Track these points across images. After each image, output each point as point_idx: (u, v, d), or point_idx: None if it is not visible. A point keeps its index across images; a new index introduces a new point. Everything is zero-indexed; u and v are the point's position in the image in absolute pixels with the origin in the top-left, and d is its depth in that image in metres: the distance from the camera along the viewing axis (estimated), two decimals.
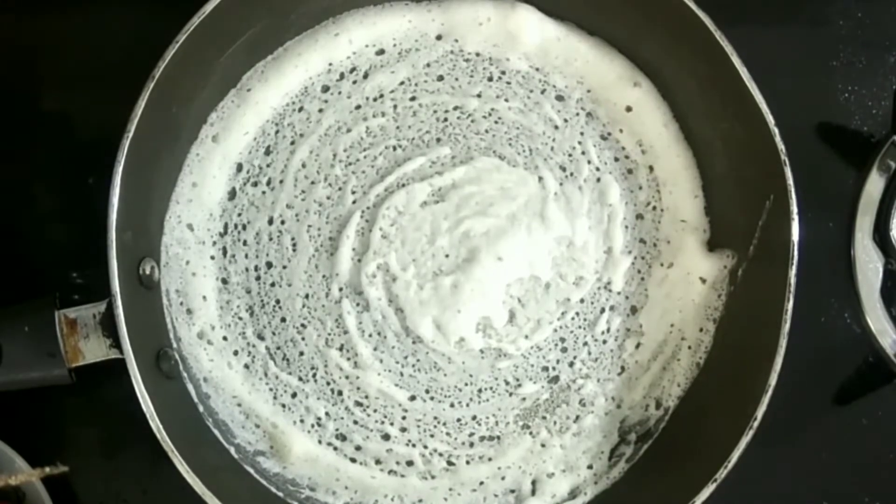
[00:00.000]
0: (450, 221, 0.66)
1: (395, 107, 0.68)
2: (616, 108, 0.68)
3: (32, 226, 0.70)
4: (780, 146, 0.61)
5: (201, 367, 0.65)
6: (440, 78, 0.68)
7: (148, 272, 0.63)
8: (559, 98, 0.68)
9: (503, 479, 0.66)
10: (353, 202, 0.66)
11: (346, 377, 0.66)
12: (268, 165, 0.67)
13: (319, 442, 0.66)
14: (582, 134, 0.68)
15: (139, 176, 0.59)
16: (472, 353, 0.66)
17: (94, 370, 0.59)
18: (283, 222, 0.67)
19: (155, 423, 0.56)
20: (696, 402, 0.66)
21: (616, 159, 0.68)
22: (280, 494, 0.65)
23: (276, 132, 0.67)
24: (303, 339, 0.66)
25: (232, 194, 0.67)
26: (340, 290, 0.66)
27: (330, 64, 0.68)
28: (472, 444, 0.66)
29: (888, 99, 0.71)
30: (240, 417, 0.65)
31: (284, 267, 0.66)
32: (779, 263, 0.61)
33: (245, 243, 0.66)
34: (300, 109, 0.67)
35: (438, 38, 0.68)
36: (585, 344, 0.67)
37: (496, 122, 0.68)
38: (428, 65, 0.68)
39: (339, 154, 0.67)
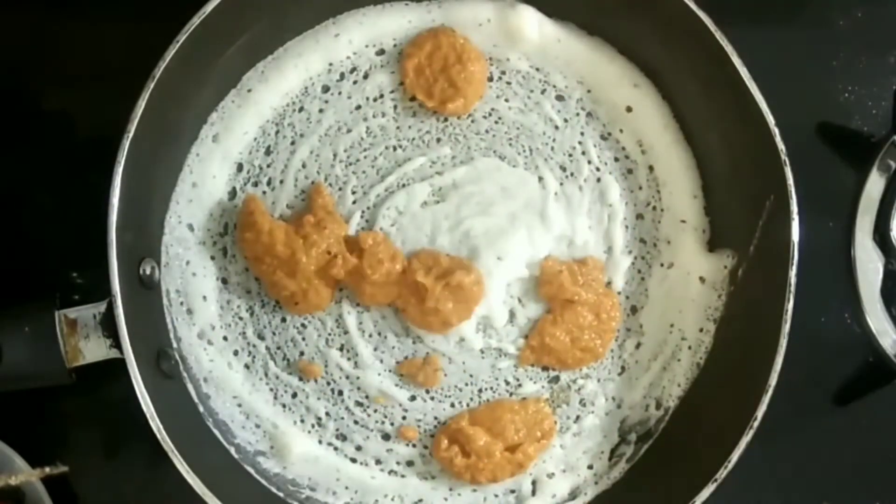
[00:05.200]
0: (450, 221, 0.66)
1: (395, 107, 0.68)
2: (616, 108, 0.68)
3: (32, 226, 0.70)
4: (780, 146, 0.61)
5: (201, 367, 0.65)
6: None
7: (148, 272, 0.63)
8: (559, 98, 0.68)
9: None
10: (354, 202, 0.66)
11: (347, 377, 0.66)
12: (268, 165, 0.67)
13: (320, 442, 0.66)
14: (582, 134, 0.68)
15: (139, 176, 0.59)
16: (472, 353, 0.66)
17: (94, 370, 0.59)
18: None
19: (155, 424, 0.57)
20: (697, 403, 0.66)
21: (616, 159, 0.68)
22: (280, 494, 0.65)
23: (277, 132, 0.67)
24: (303, 339, 0.66)
25: (232, 194, 0.67)
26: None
27: (330, 64, 0.68)
28: None
29: (888, 99, 0.71)
30: (240, 417, 0.65)
31: None
32: (779, 263, 0.61)
33: None
34: (300, 109, 0.67)
35: None
36: None
37: (496, 122, 0.68)
38: None
39: (340, 154, 0.67)
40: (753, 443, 0.59)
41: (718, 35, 0.61)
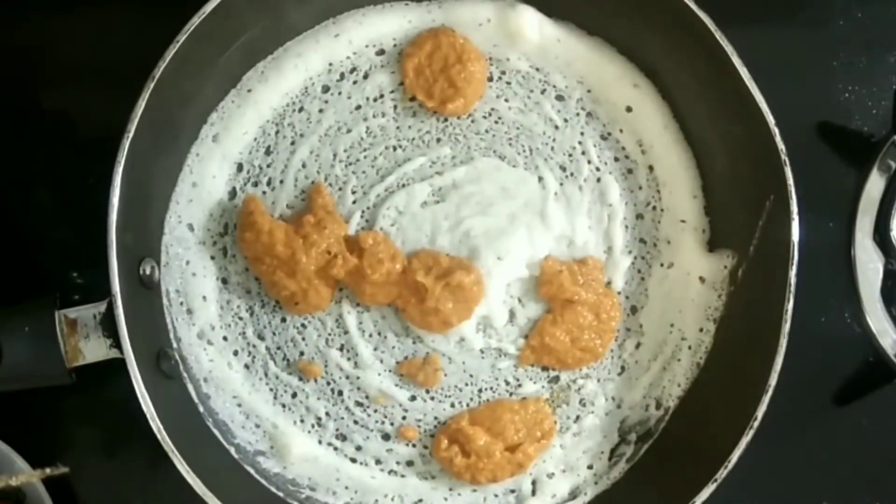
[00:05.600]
0: (450, 221, 0.66)
1: (395, 107, 0.68)
2: (616, 108, 0.68)
3: (32, 226, 0.70)
4: (780, 146, 0.61)
5: (201, 367, 0.65)
6: None
7: (148, 272, 0.63)
8: (559, 98, 0.68)
9: None
10: (354, 202, 0.66)
11: (347, 377, 0.66)
12: (268, 165, 0.67)
13: (319, 442, 0.66)
14: (582, 134, 0.68)
15: (139, 176, 0.59)
16: (472, 353, 0.66)
17: (94, 370, 0.59)
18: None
19: (155, 424, 0.57)
20: (696, 402, 0.66)
21: (616, 159, 0.68)
22: (280, 494, 0.65)
23: (277, 132, 0.67)
24: (303, 339, 0.66)
25: (232, 194, 0.67)
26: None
27: (330, 64, 0.68)
28: None
29: (888, 99, 0.71)
30: (240, 417, 0.65)
31: None
32: (779, 263, 0.61)
33: None
34: (300, 109, 0.67)
35: None
36: None
37: (496, 122, 0.68)
38: None
39: (340, 154, 0.67)
40: (753, 443, 0.59)
41: (718, 35, 0.61)
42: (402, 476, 0.66)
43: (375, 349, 0.66)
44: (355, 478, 0.66)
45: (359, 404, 0.66)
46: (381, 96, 0.68)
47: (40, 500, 0.64)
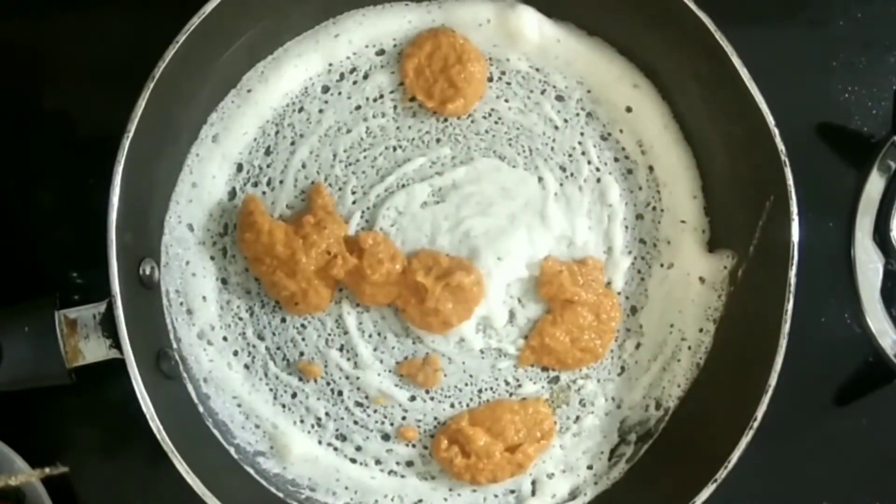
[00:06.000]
0: (450, 222, 0.66)
1: (395, 107, 0.68)
2: (616, 108, 0.68)
3: (32, 226, 0.70)
4: (780, 146, 0.61)
5: (201, 367, 0.65)
6: None
7: (148, 272, 0.63)
8: (559, 98, 0.68)
9: None
10: (354, 202, 0.66)
11: (346, 377, 0.66)
12: (268, 165, 0.67)
13: (319, 442, 0.66)
14: (582, 134, 0.68)
15: (139, 176, 0.59)
16: (472, 353, 0.66)
17: (94, 370, 0.59)
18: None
19: (155, 424, 0.57)
20: (696, 403, 0.66)
21: (616, 159, 0.68)
22: (280, 495, 0.65)
23: (276, 132, 0.67)
24: (303, 339, 0.66)
25: (232, 194, 0.67)
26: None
27: (330, 64, 0.68)
28: None
29: (888, 99, 0.71)
30: (240, 418, 0.65)
31: None
32: (779, 263, 0.61)
33: None
34: (300, 110, 0.67)
35: None
36: None
37: (496, 123, 0.68)
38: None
39: (340, 154, 0.67)
40: (753, 443, 0.59)
41: (718, 35, 0.61)
42: (402, 476, 0.66)
43: (375, 349, 0.66)
44: (355, 478, 0.66)
45: (359, 404, 0.66)
46: (381, 96, 0.68)
47: (40, 500, 0.64)
